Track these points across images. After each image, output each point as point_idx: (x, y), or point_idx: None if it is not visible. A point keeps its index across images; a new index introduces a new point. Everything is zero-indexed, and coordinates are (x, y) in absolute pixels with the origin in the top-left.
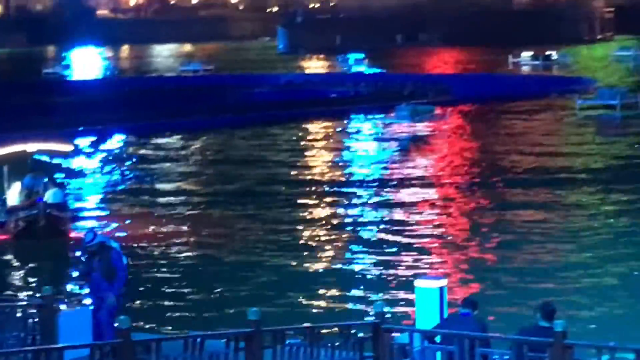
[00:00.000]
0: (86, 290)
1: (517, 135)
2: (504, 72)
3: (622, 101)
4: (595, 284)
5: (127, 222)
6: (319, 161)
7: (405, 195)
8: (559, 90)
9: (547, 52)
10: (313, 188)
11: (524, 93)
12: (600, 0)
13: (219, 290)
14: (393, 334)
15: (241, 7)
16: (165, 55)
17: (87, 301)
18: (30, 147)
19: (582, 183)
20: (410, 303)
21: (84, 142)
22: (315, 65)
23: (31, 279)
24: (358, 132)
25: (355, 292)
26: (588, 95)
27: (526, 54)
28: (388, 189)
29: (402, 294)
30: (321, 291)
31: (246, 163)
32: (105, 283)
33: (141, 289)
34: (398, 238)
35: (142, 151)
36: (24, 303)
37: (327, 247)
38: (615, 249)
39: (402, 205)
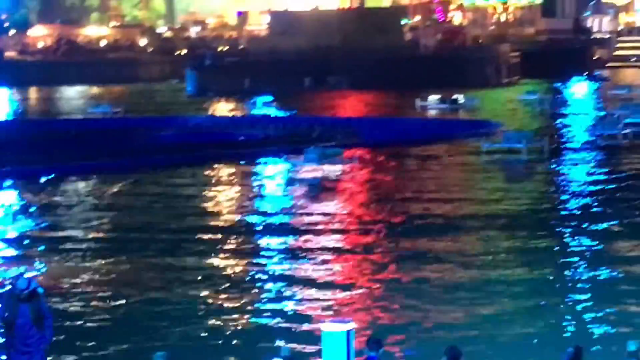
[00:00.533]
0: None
1: (424, 179)
2: (411, 116)
3: (528, 145)
4: (500, 335)
5: (27, 270)
6: (225, 206)
7: (312, 240)
8: (465, 134)
9: (454, 96)
10: (219, 234)
11: (431, 136)
12: (506, 44)
13: (123, 340)
14: None
15: (150, 50)
16: (73, 97)
17: None
18: None
19: (489, 229)
20: (318, 347)
21: None
22: (224, 108)
23: None
24: (266, 175)
25: (261, 339)
26: (494, 139)
27: (433, 98)
28: (295, 235)
29: (309, 339)
30: (227, 341)
31: (150, 208)
32: (34, 329)
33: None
34: (305, 284)
35: (46, 195)
36: None
37: (233, 295)
38: (522, 299)
39: (308, 250)
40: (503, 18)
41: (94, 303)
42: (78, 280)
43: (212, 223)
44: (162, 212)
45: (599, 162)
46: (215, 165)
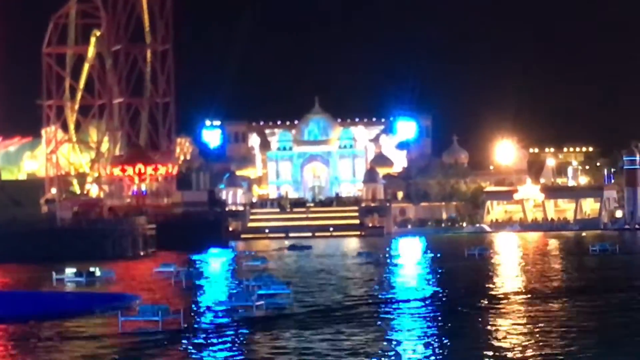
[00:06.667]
0: None
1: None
2: (48, 290)
3: (164, 317)
4: None
5: None
6: None
7: None
8: (102, 308)
9: (91, 269)
10: None
11: (67, 311)
12: (143, 217)
13: None
14: None
15: None
16: None
17: None
18: None
19: None
20: None
21: None
22: None
23: None
24: None
25: None
26: (131, 312)
27: (70, 271)
28: None
29: None
30: None
31: None
32: None
33: None
34: None
35: None
36: None
37: None
38: None
39: None
40: (139, 189)
41: None
42: None
43: None
44: None
45: (234, 335)
46: None
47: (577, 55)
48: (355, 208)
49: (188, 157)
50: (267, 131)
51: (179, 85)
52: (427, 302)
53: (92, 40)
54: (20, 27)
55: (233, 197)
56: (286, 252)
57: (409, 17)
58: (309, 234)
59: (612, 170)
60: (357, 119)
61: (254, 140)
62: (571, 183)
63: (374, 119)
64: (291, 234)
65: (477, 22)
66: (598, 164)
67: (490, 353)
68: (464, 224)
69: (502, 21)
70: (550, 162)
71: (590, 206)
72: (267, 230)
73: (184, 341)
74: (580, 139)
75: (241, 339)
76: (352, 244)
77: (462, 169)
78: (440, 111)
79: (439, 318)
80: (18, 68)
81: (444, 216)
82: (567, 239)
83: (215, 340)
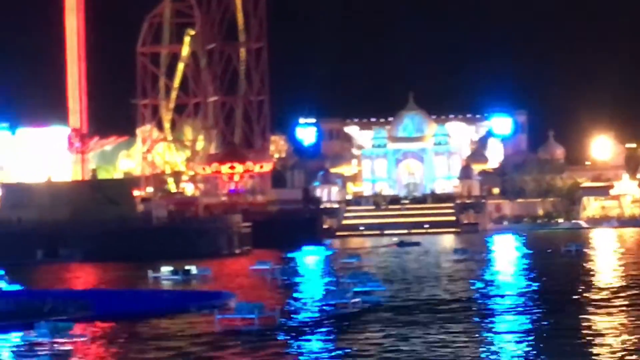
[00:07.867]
0: None
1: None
2: (144, 288)
3: (260, 315)
4: None
5: None
6: None
7: None
8: (198, 305)
9: (187, 267)
10: None
11: (164, 308)
12: (238, 215)
13: None
14: None
15: None
16: None
17: None
18: None
19: None
20: None
21: None
22: None
23: None
24: None
25: None
26: (227, 309)
27: (166, 269)
28: None
29: None
30: None
31: None
32: None
33: None
34: None
35: None
36: None
37: None
38: None
39: None
40: (236, 187)
41: None
42: None
43: None
44: None
45: (330, 332)
46: None
47: None
48: (451, 205)
49: (283, 155)
50: (361, 128)
51: (273, 82)
52: (524, 299)
53: (187, 39)
54: (115, 27)
55: (328, 195)
56: (396, 249)
57: (505, 12)
58: (405, 231)
59: None
60: (451, 115)
61: (348, 137)
62: None
63: (468, 115)
64: (386, 231)
65: (574, 17)
66: None
67: (590, 351)
68: (560, 220)
69: (598, 15)
70: None
71: None
72: (362, 228)
73: (279, 338)
74: None
75: (337, 336)
76: (448, 240)
77: (558, 165)
78: (536, 107)
79: (537, 315)
80: (113, 68)
81: (540, 212)
82: None
83: (310, 338)
